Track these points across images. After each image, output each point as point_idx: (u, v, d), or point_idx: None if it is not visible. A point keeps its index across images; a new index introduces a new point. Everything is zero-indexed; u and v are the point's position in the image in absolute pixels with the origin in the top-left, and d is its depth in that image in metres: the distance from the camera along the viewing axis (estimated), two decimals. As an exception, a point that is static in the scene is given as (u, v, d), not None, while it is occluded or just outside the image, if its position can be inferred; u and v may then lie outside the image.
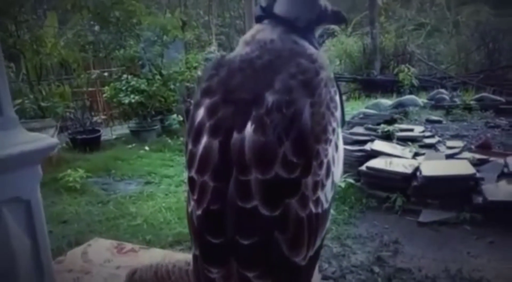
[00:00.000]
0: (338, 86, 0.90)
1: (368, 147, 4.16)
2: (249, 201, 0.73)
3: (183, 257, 2.09)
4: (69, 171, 4.17)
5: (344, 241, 2.93)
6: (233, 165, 0.75)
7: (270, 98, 0.78)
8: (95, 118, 6.10)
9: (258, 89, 0.80)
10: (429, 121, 5.50)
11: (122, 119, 6.90)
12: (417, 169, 3.56)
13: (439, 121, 5.46)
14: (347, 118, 6.24)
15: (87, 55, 8.27)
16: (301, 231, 0.76)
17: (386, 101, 7.40)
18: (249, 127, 0.75)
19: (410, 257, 2.69)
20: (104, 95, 6.38)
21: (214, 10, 14.99)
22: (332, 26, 13.83)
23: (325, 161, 0.79)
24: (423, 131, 4.71)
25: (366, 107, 7.18)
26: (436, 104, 6.64)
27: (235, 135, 0.76)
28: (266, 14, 0.94)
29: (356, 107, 8.55)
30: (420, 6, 17.83)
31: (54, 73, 6.70)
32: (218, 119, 0.79)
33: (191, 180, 0.80)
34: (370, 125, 4.77)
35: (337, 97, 0.87)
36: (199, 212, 0.78)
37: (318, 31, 1.03)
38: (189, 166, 0.81)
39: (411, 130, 4.68)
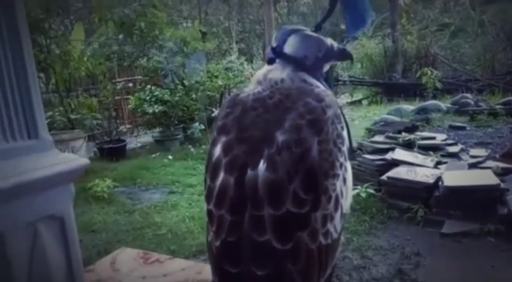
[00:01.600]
0: (345, 121, 0.95)
1: (389, 155, 4.15)
2: (262, 234, 0.79)
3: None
4: (97, 181, 4.34)
5: (365, 253, 2.94)
6: (248, 200, 0.81)
7: (280, 137, 0.84)
8: (120, 128, 6.30)
9: (269, 128, 0.86)
10: (452, 127, 5.41)
11: (146, 128, 7.09)
12: (439, 178, 3.53)
13: (463, 128, 5.37)
14: (368, 125, 6.22)
15: (112, 64, 8.56)
16: (312, 262, 0.81)
17: (408, 107, 7.31)
18: (261, 165, 0.81)
19: (432, 270, 2.68)
20: (129, 106, 6.58)
21: (234, 16, 15.18)
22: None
23: (333, 195, 0.84)
24: (445, 139, 4.64)
25: (388, 113, 7.12)
26: (460, 109, 6.52)
27: (249, 172, 0.82)
28: (277, 55, 1.00)
29: (377, 113, 8.50)
30: (443, 6, 17.50)
31: (82, 84, 6.97)
32: (233, 156, 0.85)
33: (210, 213, 0.87)
34: (391, 134, 4.74)
35: (344, 132, 0.92)
36: (217, 243, 0.84)
37: (326, 67, 1.09)
38: (208, 200, 0.87)
39: (433, 138, 4.63)
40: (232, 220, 0.82)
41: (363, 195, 3.66)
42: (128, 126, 7.04)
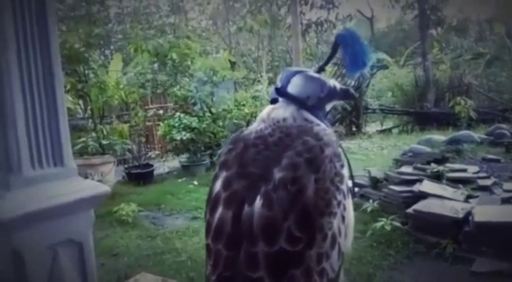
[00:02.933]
0: (347, 159, 0.96)
1: (416, 187, 4.02)
2: (256, 271, 0.80)
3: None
4: (122, 205, 4.45)
5: (388, 289, 2.82)
6: (244, 236, 0.82)
7: (277, 174, 0.85)
8: (149, 153, 6.48)
9: (268, 165, 0.88)
10: (485, 160, 5.19)
11: (174, 153, 7.27)
12: (469, 213, 3.37)
13: (497, 160, 5.14)
14: (397, 155, 6.08)
15: (146, 92, 8.95)
16: None
17: (440, 137, 7.10)
18: (258, 202, 0.83)
19: (459, 311, 2.53)
20: (158, 132, 6.80)
21: (265, 46, 15.54)
22: (384, 56, 13.75)
23: (329, 233, 0.84)
24: (477, 172, 4.45)
25: (418, 143, 6.94)
26: (495, 141, 6.26)
27: (246, 208, 0.84)
28: (280, 95, 1.04)
29: (408, 142, 8.30)
30: (478, 35, 17.20)
31: (115, 111, 7.30)
32: (232, 192, 0.87)
33: (207, 247, 0.89)
34: (419, 165, 4.61)
35: (344, 171, 0.92)
36: (214, 277, 0.85)
37: (330, 105, 1.11)
38: (206, 234, 0.89)
39: (464, 170, 4.46)
40: (228, 255, 0.83)
41: (388, 227, 3.54)
42: (156, 152, 7.24)
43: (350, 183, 0.98)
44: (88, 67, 5.77)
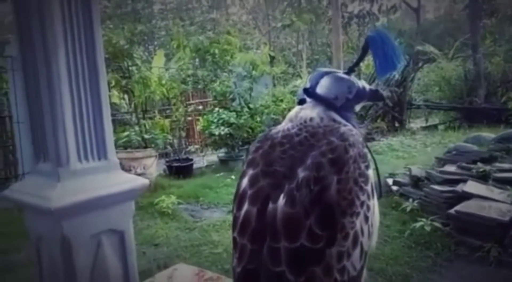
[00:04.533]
0: (374, 160, 0.96)
1: (459, 187, 3.86)
2: (278, 265, 0.83)
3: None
4: (163, 197, 4.62)
5: (425, 292, 2.75)
6: (267, 232, 0.85)
7: (301, 174, 0.88)
8: (189, 147, 6.66)
9: (293, 164, 0.91)
10: (539, 160, 4.86)
11: (213, 148, 7.43)
12: (516, 216, 3.20)
13: (552, 161, 4.79)
14: (442, 152, 5.85)
15: (187, 87, 9.18)
16: None
17: (489, 135, 6.72)
18: (281, 199, 0.86)
19: (501, 318, 2.43)
20: (198, 127, 6.96)
21: (306, 40, 15.38)
22: (431, 49, 13.16)
23: (351, 232, 0.85)
24: (528, 173, 4.19)
25: (465, 141, 6.61)
26: (551, 140, 5.84)
27: (270, 205, 0.87)
28: (309, 95, 1.06)
29: (454, 140, 7.95)
30: (536, 25, 16.03)
31: (157, 106, 7.55)
32: (258, 189, 0.90)
33: (234, 240, 0.93)
34: (464, 164, 4.41)
35: (369, 171, 0.92)
36: (239, 269, 0.89)
37: (359, 106, 1.11)
38: (233, 228, 0.94)
39: (513, 170, 4.21)
40: (253, 249, 0.87)
41: (428, 228, 3.44)
42: (196, 146, 7.43)
43: (376, 183, 0.98)
44: (132, 63, 6.01)
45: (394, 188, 4.85)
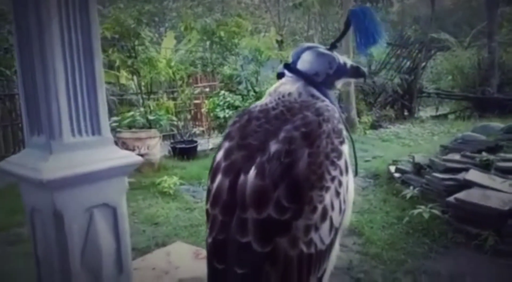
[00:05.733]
0: (350, 136, 0.95)
1: (461, 176, 3.83)
2: (245, 236, 0.84)
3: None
4: (165, 177, 4.67)
5: (418, 277, 2.76)
6: (237, 203, 0.86)
7: (273, 147, 0.88)
8: (194, 130, 6.69)
9: (266, 137, 0.91)
10: (546, 150, 4.77)
11: (218, 131, 7.45)
12: (516, 206, 3.17)
13: (559, 152, 4.70)
14: (448, 141, 5.77)
15: (196, 69, 9.16)
16: (291, 267, 0.83)
17: (497, 125, 6.60)
18: (252, 172, 0.86)
19: (493, 305, 2.43)
20: (203, 109, 6.97)
21: (318, 24, 15.15)
22: (446, 37, 12.87)
23: (319, 206, 0.85)
24: (533, 163, 4.13)
25: (473, 130, 6.51)
26: (561, 131, 5.71)
27: (241, 177, 0.87)
28: (289, 70, 1.05)
29: (462, 129, 7.84)
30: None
31: (163, 88, 7.57)
32: (231, 161, 0.91)
33: (206, 212, 0.94)
34: (468, 153, 4.36)
35: (343, 147, 0.92)
36: (209, 240, 0.91)
37: (340, 83, 1.10)
38: (206, 199, 0.95)
39: (518, 160, 4.15)
40: (223, 220, 0.88)
41: (426, 215, 3.43)
42: (201, 128, 7.45)
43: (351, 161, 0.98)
44: (140, 43, 6.00)
45: (396, 175, 4.83)
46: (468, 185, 3.65)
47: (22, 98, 1.84)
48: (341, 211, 0.91)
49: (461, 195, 3.46)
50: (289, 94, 1.01)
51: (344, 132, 0.95)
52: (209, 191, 0.94)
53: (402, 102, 12.29)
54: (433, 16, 12.95)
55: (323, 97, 1.02)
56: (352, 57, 9.82)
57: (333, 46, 1.09)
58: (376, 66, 12.35)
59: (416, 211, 3.53)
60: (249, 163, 0.88)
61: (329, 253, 0.90)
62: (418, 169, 4.51)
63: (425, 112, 13.34)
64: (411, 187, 4.20)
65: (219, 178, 0.91)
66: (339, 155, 0.90)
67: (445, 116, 11.97)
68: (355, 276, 2.78)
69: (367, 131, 8.57)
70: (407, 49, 12.41)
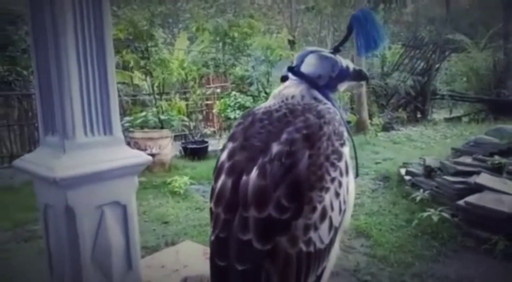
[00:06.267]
0: (351, 138, 0.98)
1: (472, 179, 3.79)
2: (246, 234, 0.87)
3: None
4: (176, 177, 4.73)
5: (426, 280, 2.75)
6: (239, 202, 0.89)
7: (275, 148, 0.90)
8: (205, 130, 6.75)
9: (268, 139, 0.94)
10: (560, 155, 4.68)
11: (229, 131, 7.50)
12: (528, 210, 3.14)
13: None
14: (461, 144, 5.71)
15: (209, 70, 9.22)
16: (290, 265, 0.86)
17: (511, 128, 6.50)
18: (254, 172, 0.89)
19: (500, 310, 2.41)
20: (214, 110, 7.03)
21: (331, 24, 15.09)
22: (462, 38, 12.67)
23: (319, 206, 0.87)
24: (547, 167, 4.06)
25: (486, 133, 6.42)
26: None
27: (244, 177, 0.90)
28: (293, 74, 1.08)
29: (476, 132, 7.73)
30: None
31: (177, 88, 7.65)
32: (234, 162, 0.94)
33: (210, 210, 0.97)
34: (480, 156, 4.31)
35: (344, 149, 0.94)
36: (212, 237, 0.94)
37: (343, 86, 1.12)
38: (210, 198, 0.98)
39: (531, 164, 4.08)
40: (225, 218, 0.91)
41: (435, 218, 3.41)
42: (212, 129, 7.51)
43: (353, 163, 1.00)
44: (153, 44, 6.09)
45: (407, 177, 4.80)
46: (479, 188, 3.61)
47: (37, 98, 1.90)
48: (341, 211, 0.93)
49: (471, 199, 3.43)
50: (293, 97, 1.04)
51: (345, 135, 0.97)
52: (213, 190, 0.98)
53: (415, 105, 12.17)
54: (448, 17, 12.79)
55: (325, 100, 1.05)
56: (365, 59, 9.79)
57: (336, 50, 1.11)
58: (389, 67, 12.25)
59: (425, 214, 3.51)
60: (252, 163, 0.91)
61: (329, 252, 0.92)
62: (429, 171, 4.48)
63: (439, 114, 13.18)
64: (421, 190, 4.17)
65: (222, 177, 0.94)
66: (340, 156, 0.92)
67: (458, 118, 11.80)
68: (362, 278, 2.78)
69: (379, 134, 8.51)
70: (421, 50, 12.28)
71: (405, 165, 5.25)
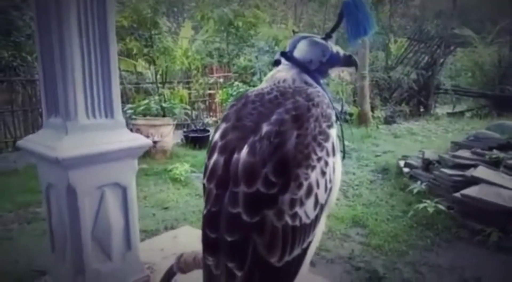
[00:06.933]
0: (339, 121, 1.02)
1: (469, 172, 3.83)
2: (235, 207, 0.92)
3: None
4: (177, 164, 4.80)
5: (418, 268, 2.81)
6: (230, 178, 0.94)
7: (265, 128, 0.95)
8: (206, 119, 6.79)
9: (259, 119, 0.98)
10: (559, 150, 4.70)
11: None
12: (522, 203, 3.18)
13: None
14: (463, 138, 5.73)
15: (212, 60, 9.23)
16: (276, 237, 0.91)
17: (513, 123, 6.51)
18: (244, 150, 0.94)
19: (490, 299, 2.47)
20: (216, 99, 7.07)
21: (336, 16, 14.98)
22: (469, 33, 12.57)
23: (305, 183, 0.92)
24: (544, 162, 4.09)
25: (487, 128, 6.44)
26: None
27: (235, 155, 0.95)
28: (286, 58, 1.12)
29: (478, 127, 7.74)
30: None
31: (181, 77, 7.68)
32: (226, 141, 0.99)
33: (203, 186, 1.02)
34: (478, 150, 4.34)
35: (330, 131, 0.99)
36: (205, 212, 0.99)
37: (333, 71, 1.16)
38: (204, 175, 1.03)
39: (529, 159, 4.11)
40: (217, 193, 0.96)
41: (430, 209, 3.47)
42: (214, 119, 7.55)
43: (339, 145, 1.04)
44: (158, 32, 6.10)
45: (405, 170, 4.84)
46: (475, 181, 3.65)
47: (41, 81, 1.95)
48: (327, 189, 0.97)
49: (467, 191, 3.47)
50: (284, 80, 1.08)
51: (333, 118, 1.02)
52: (206, 167, 1.02)
53: (418, 99, 12.15)
54: (454, 11, 12.69)
55: (315, 84, 1.09)
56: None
57: (327, 36, 1.15)
58: (393, 61, 12.21)
59: (421, 205, 3.56)
60: (243, 142, 0.96)
61: (314, 227, 0.97)
62: (427, 164, 4.52)
63: (442, 109, 13.15)
64: (419, 182, 4.22)
65: (215, 156, 0.99)
66: (327, 137, 0.97)
67: (461, 114, 11.78)
68: (356, 265, 2.84)
69: (380, 127, 8.53)
70: (426, 44, 12.22)
71: (404, 157, 5.29)
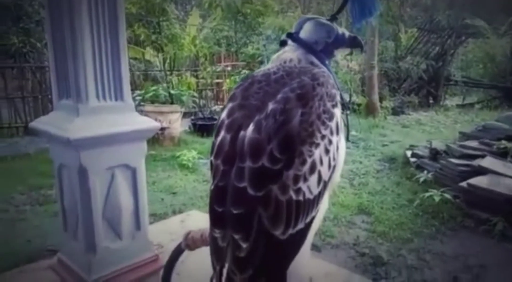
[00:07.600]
0: (343, 101, 1.04)
1: (476, 162, 3.82)
2: (241, 181, 0.95)
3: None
4: (185, 151, 4.85)
5: (422, 255, 2.83)
6: (237, 154, 0.97)
7: (270, 106, 0.98)
8: (214, 107, 6.82)
9: (265, 98, 1.01)
10: None
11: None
12: (529, 193, 3.18)
13: None
14: (469, 129, 5.70)
15: (221, 48, 9.23)
16: (281, 211, 0.94)
17: (523, 114, 6.44)
18: (250, 127, 0.97)
19: (492, 285, 2.50)
20: (223, 87, 7.09)
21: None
22: (481, 23, 12.36)
23: (308, 160, 0.94)
24: (553, 153, 4.06)
25: (496, 120, 6.38)
26: None
27: (241, 132, 0.98)
28: (292, 39, 1.14)
29: (486, 119, 7.67)
30: None
31: (189, 65, 7.70)
32: (233, 119, 1.02)
33: (211, 162, 1.06)
34: (486, 140, 4.32)
35: (335, 110, 1.01)
36: (212, 187, 1.02)
37: (339, 52, 1.18)
38: (211, 152, 1.06)
39: (537, 149, 4.09)
40: (224, 169, 0.99)
41: (436, 198, 3.48)
42: (221, 107, 7.57)
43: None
44: (166, 19, 6.11)
45: (412, 159, 4.84)
46: (482, 171, 3.65)
47: (52, 65, 1.98)
48: (330, 167, 1.00)
49: (474, 180, 3.47)
50: (290, 60, 1.10)
51: (338, 98, 1.04)
52: (213, 144, 1.05)
53: (428, 90, 12.04)
54: (466, 1, 12.47)
55: (321, 65, 1.11)
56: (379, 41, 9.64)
57: (333, 18, 1.17)
58: (402, 51, 12.08)
59: (427, 194, 3.58)
60: (249, 120, 0.98)
61: (317, 203, 1.00)
62: (434, 154, 4.51)
63: (451, 101, 13.03)
64: (425, 171, 4.22)
65: (222, 133, 1.02)
66: (331, 116, 0.99)
67: (471, 105, 11.67)
68: (361, 251, 2.88)
69: (388, 117, 8.50)
70: (436, 34, 12.06)
71: (411, 147, 5.28)
